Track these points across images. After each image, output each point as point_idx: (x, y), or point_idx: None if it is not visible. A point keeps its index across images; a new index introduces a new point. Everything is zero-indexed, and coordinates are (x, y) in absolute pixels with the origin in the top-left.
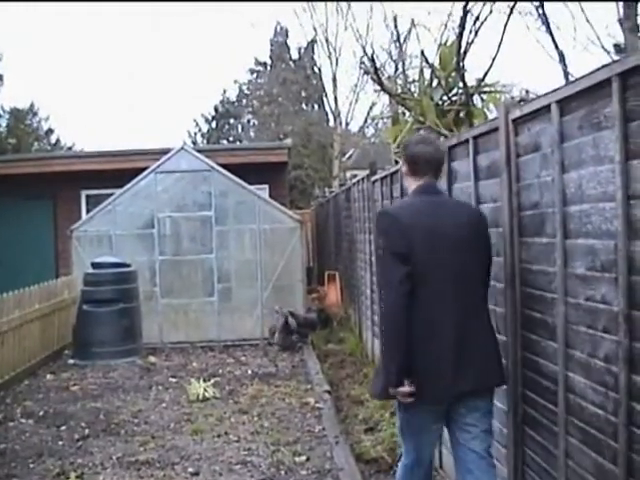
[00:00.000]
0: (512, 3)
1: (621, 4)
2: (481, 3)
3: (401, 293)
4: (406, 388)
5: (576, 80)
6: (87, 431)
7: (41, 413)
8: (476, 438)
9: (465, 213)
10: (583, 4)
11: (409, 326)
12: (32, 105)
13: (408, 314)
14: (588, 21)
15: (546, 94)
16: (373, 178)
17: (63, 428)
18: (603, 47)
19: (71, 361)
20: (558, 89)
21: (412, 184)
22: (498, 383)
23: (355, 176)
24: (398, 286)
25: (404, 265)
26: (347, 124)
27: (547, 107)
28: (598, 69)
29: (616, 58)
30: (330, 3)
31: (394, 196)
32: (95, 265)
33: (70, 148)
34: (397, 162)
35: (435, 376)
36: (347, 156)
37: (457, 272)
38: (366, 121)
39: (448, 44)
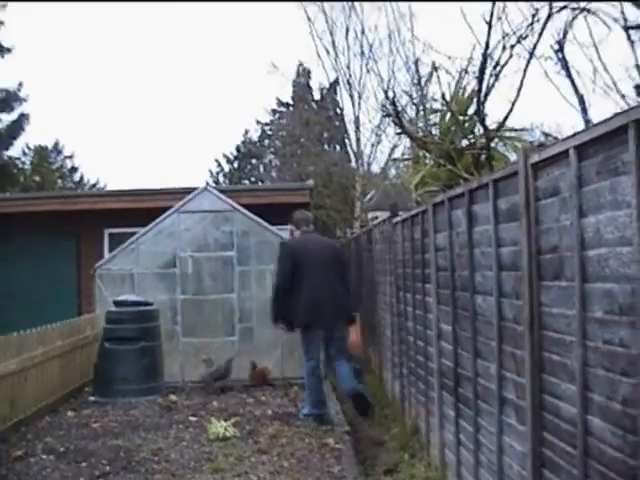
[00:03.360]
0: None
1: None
2: (500, 48)
3: (284, 278)
4: (280, 325)
5: (593, 126)
6: (107, 468)
7: (62, 449)
8: (339, 352)
9: (325, 243)
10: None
11: (286, 294)
12: (57, 143)
13: (286, 288)
14: (606, 69)
15: (564, 140)
16: (394, 220)
17: (84, 465)
18: (619, 92)
19: (92, 398)
20: (575, 135)
21: (297, 232)
22: (342, 320)
23: (376, 217)
24: (284, 274)
25: (287, 265)
26: (369, 165)
27: (565, 152)
28: (614, 115)
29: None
30: (353, 46)
31: (415, 237)
32: (117, 303)
33: (94, 185)
34: (418, 203)
35: (307, 313)
36: (368, 197)
37: (318, 267)
38: (387, 163)
39: (467, 88)
